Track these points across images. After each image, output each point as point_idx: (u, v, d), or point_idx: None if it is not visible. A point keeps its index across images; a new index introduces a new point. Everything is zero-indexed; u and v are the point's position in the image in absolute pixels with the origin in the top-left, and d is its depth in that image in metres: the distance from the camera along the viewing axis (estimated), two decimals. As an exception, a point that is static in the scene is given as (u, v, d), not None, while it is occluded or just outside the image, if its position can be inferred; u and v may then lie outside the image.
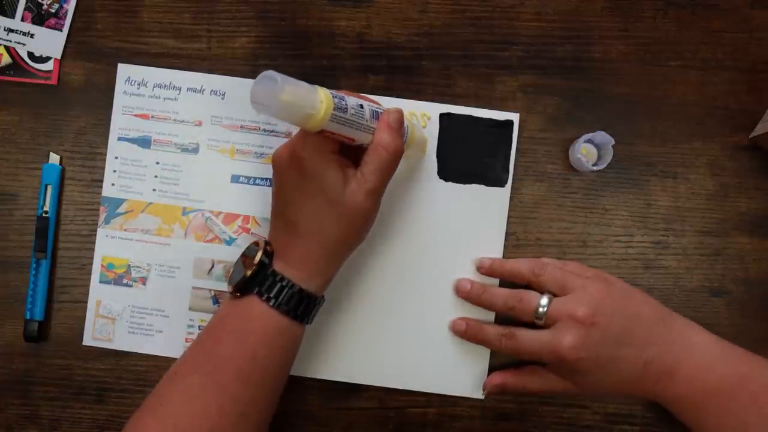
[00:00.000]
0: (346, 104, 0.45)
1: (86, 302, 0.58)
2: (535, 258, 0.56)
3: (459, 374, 0.57)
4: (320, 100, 0.43)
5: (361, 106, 0.47)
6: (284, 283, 0.48)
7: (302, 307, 0.49)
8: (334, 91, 0.45)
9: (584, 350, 0.50)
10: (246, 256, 0.50)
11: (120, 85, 0.58)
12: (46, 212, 0.58)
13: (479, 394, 0.57)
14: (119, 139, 0.58)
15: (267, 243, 0.50)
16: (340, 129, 0.45)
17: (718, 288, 0.58)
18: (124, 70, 0.58)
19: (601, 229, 0.58)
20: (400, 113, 0.49)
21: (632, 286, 0.54)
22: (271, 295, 0.48)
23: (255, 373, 0.47)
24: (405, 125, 0.50)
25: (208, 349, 0.48)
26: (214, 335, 0.49)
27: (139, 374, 0.58)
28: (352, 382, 0.57)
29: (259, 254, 0.48)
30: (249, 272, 0.48)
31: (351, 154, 0.49)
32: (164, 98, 0.58)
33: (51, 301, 0.58)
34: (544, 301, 0.52)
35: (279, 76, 0.41)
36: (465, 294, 0.56)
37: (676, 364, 0.50)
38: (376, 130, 0.48)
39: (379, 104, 0.50)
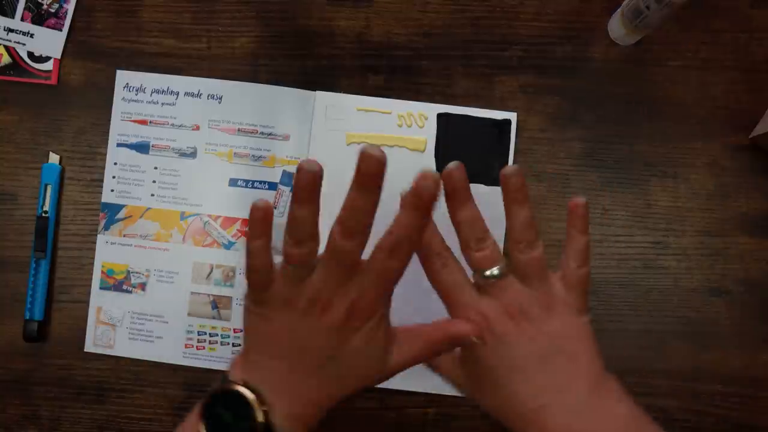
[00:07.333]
0: None
1: (85, 302, 0.58)
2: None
3: (459, 374, 0.57)
4: None
5: None
6: None
7: None
8: None
9: (494, 337, 0.42)
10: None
11: (119, 92, 0.58)
12: (46, 212, 0.58)
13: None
14: (118, 145, 0.58)
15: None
16: None
17: (718, 288, 0.58)
18: (122, 76, 0.58)
19: (601, 229, 0.58)
20: None
21: (594, 345, 0.43)
22: None
23: None
24: None
25: None
26: None
27: (139, 374, 0.58)
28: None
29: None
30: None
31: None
32: (162, 103, 0.58)
33: (51, 301, 0.58)
34: (497, 271, 0.43)
35: None
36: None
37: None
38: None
39: None
